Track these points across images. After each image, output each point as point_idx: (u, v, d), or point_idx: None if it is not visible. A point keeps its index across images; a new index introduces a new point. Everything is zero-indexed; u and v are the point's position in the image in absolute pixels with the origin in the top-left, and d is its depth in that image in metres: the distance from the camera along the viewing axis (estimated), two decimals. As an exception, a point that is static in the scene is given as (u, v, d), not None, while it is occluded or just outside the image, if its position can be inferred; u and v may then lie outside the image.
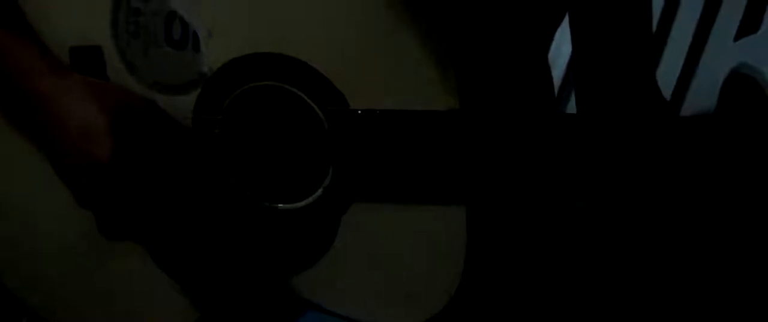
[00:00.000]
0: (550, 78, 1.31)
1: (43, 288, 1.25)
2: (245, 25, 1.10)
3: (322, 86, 1.08)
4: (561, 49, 1.79)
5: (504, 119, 1.05)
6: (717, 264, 1.49)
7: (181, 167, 1.13)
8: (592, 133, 1.02)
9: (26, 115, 1.13)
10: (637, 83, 1.20)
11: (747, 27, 1.91)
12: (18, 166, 1.21)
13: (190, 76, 1.13)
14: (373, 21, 1.07)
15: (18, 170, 1.21)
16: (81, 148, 1.08)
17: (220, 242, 1.17)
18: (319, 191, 1.13)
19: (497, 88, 1.15)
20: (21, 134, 1.19)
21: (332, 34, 1.08)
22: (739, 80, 1.90)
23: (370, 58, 1.08)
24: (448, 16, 1.09)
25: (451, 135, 1.05)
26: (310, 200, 1.13)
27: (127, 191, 1.10)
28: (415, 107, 1.06)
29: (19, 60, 1.11)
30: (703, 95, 1.90)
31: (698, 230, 1.46)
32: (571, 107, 1.88)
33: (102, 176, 1.08)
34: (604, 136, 1.02)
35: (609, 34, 1.19)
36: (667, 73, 1.93)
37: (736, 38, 1.93)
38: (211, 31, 1.11)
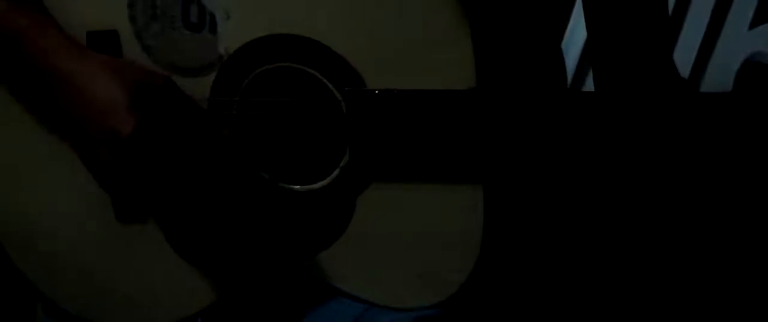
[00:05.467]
0: (563, 65, 1.31)
1: (57, 275, 1.25)
2: (262, 7, 1.10)
3: (339, 67, 1.09)
4: (574, 36, 1.79)
5: (521, 99, 1.05)
6: (727, 254, 1.49)
7: (198, 144, 1.13)
8: (611, 110, 1.02)
9: (48, 95, 1.13)
10: (654, 62, 1.21)
11: (761, 15, 1.91)
12: (31, 153, 1.21)
13: (207, 59, 1.14)
14: (390, 1, 1.07)
15: (32, 158, 1.21)
16: (103, 124, 1.09)
17: (237, 223, 1.17)
18: (337, 172, 1.13)
19: (504, 74, 1.16)
20: (37, 118, 1.20)
21: (349, 15, 1.08)
22: (754, 68, 1.90)
23: (388, 39, 1.08)
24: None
25: (468, 115, 1.06)
26: (327, 180, 1.13)
27: (147, 166, 1.11)
28: (433, 87, 1.06)
29: (41, 40, 1.12)
30: (718, 83, 1.90)
31: (708, 218, 1.47)
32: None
33: (123, 151, 1.09)
34: (624, 114, 1.02)
35: (623, 13, 1.19)
36: (681, 62, 1.92)
37: (751, 27, 1.92)
38: (229, 13, 1.12)
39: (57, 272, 1.25)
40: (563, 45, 1.34)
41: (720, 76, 1.90)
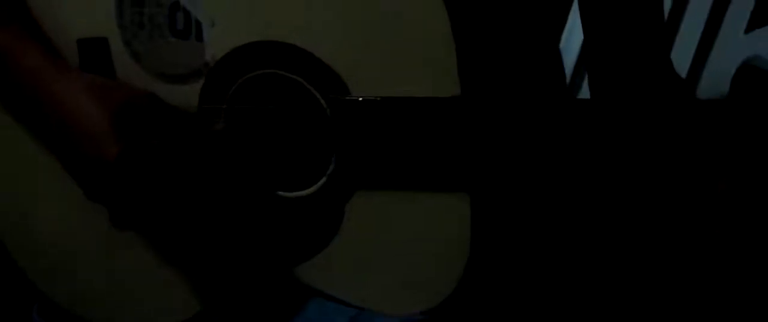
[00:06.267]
0: (562, 66, 1.31)
1: (56, 275, 1.26)
2: (248, 14, 1.11)
3: (324, 74, 1.09)
4: (572, 37, 1.79)
5: (507, 106, 1.05)
6: (722, 256, 1.48)
7: (185, 158, 1.13)
8: (608, 116, 1.02)
9: (33, 113, 1.14)
10: (652, 65, 1.21)
11: (758, 19, 1.91)
12: (30, 154, 1.22)
13: (193, 66, 1.14)
14: (374, 7, 1.07)
15: (31, 158, 1.22)
16: (88, 147, 1.10)
17: (225, 231, 1.17)
18: (323, 179, 1.13)
19: (502, 75, 1.15)
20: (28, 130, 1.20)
21: (333, 21, 1.08)
22: (751, 72, 1.90)
23: (372, 46, 1.08)
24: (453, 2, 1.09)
25: (453, 122, 1.05)
26: (313, 188, 1.13)
27: (135, 187, 1.11)
28: (417, 94, 1.06)
29: (26, 58, 1.12)
30: (714, 87, 1.90)
31: (706, 226, 1.46)
32: (583, 95, 1.88)
33: (109, 173, 1.09)
34: (620, 119, 1.02)
35: (620, 16, 1.19)
36: (678, 66, 1.92)
37: (747, 31, 1.92)
38: (214, 20, 1.12)
39: (56, 273, 1.26)
40: (560, 47, 1.33)
41: (716, 80, 1.90)
